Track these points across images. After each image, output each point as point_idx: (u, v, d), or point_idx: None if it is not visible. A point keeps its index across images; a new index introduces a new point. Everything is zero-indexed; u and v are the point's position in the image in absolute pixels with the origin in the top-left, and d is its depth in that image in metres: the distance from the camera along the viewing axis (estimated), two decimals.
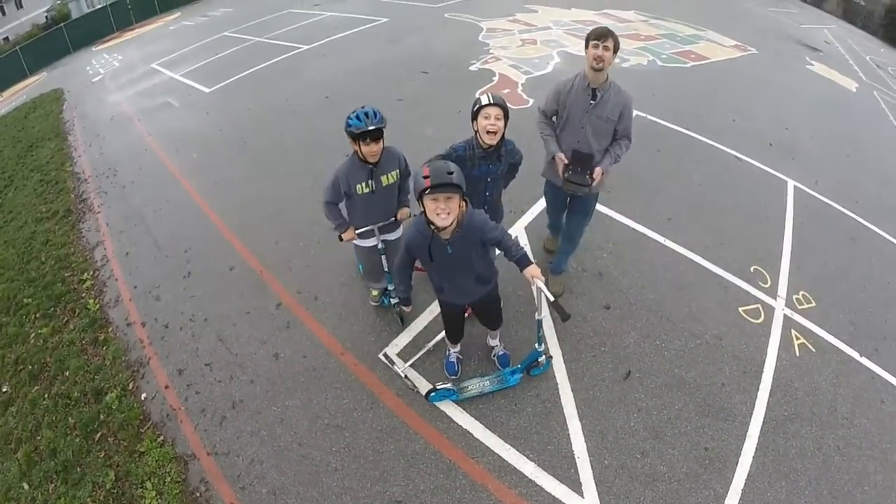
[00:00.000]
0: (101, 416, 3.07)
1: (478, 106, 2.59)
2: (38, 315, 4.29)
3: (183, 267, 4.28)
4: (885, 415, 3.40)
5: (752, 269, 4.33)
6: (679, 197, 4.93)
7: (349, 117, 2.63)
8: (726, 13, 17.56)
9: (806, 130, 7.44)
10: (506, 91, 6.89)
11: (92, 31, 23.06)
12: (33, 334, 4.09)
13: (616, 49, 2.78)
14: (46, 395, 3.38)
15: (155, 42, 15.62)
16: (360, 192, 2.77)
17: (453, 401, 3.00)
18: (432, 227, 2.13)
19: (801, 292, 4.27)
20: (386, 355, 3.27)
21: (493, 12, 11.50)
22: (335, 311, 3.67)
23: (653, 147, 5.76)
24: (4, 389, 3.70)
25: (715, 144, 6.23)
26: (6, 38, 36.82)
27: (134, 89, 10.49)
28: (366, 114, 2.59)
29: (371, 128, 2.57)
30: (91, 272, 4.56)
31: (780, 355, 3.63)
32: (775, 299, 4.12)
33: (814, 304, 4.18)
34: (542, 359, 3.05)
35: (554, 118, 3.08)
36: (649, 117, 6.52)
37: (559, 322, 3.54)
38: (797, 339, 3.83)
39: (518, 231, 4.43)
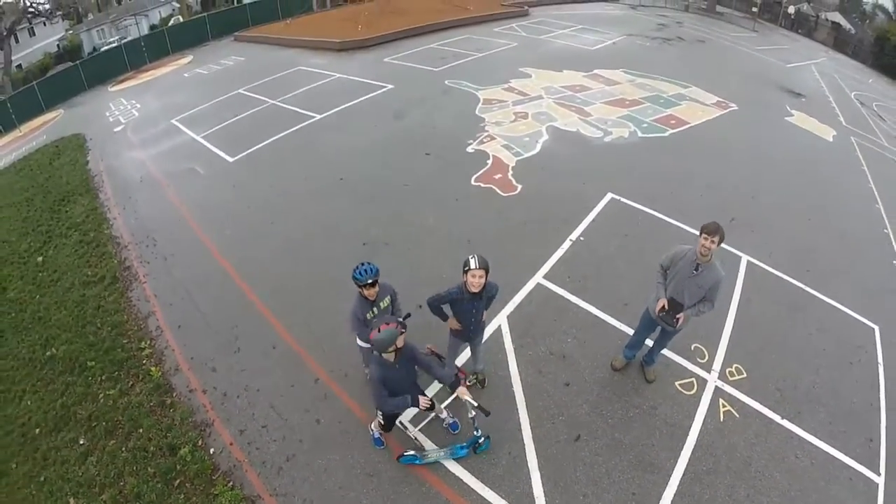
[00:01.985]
0: (178, 467, 4.33)
1: (467, 267, 3.95)
2: (103, 377, 5.59)
3: (232, 343, 5.64)
4: (797, 467, 4.64)
5: (692, 347, 5.65)
6: (638, 282, 6.30)
7: (355, 271, 3.98)
8: (714, 62, 19.69)
9: (772, 196, 8.92)
10: (497, 176, 8.44)
11: (107, 69, 25.29)
12: (102, 395, 5.39)
13: (721, 242, 4.04)
14: (124, 449, 4.64)
15: (172, 92, 17.56)
16: (369, 317, 4.13)
17: (417, 464, 4.28)
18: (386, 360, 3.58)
19: (735, 365, 5.58)
20: (401, 422, 4.55)
21: (489, 79, 13.36)
22: (361, 387, 4.98)
23: (622, 232, 7.22)
24: (81, 441, 4.96)
25: (679, 225, 7.67)
26: (19, 66, 39.79)
27: (157, 148, 12.16)
28: (366, 271, 3.96)
29: (370, 281, 3.91)
30: (148, 341, 5.91)
31: (705, 421, 4.91)
32: (709, 373, 5.43)
33: (745, 375, 5.48)
34: (482, 440, 4.35)
35: (667, 272, 4.47)
36: (623, 200, 8.02)
37: (530, 398, 4.87)
38: (724, 406, 5.11)
39: (501, 320, 5.78)
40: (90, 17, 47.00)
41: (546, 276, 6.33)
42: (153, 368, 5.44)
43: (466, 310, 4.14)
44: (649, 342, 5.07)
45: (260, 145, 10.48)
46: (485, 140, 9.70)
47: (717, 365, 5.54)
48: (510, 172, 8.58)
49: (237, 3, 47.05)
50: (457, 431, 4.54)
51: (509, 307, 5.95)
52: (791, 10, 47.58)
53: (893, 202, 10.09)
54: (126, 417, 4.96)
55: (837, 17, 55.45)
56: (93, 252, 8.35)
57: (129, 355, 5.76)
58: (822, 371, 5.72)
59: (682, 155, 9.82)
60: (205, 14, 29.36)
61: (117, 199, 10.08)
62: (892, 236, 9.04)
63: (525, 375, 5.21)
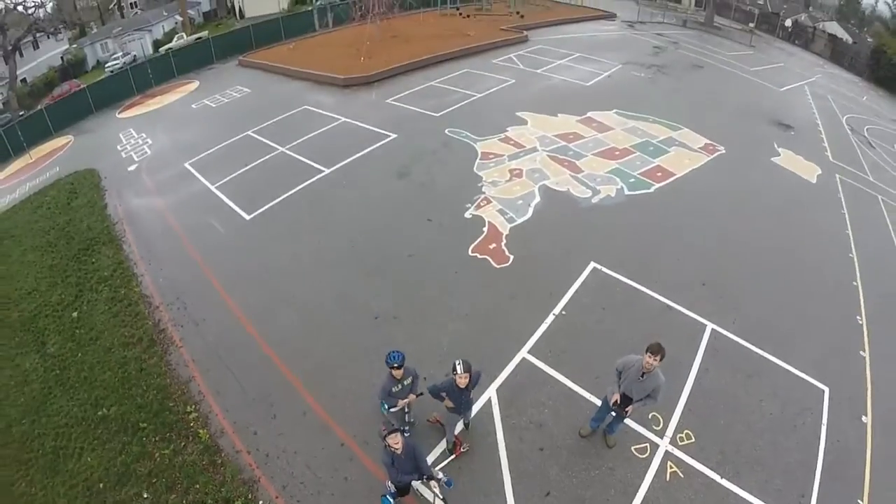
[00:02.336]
0: None
1: (455, 372, 5.23)
2: (156, 438, 6.70)
3: (269, 410, 6.79)
4: None
5: (650, 416, 6.74)
6: (609, 355, 7.36)
7: (388, 356, 5.42)
8: (708, 93, 20.78)
9: (745, 256, 10.02)
10: (492, 246, 9.58)
11: (114, 92, 26.35)
12: (157, 454, 6.49)
13: (662, 359, 5.25)
14: (185, 501, 5.75)
15: (181, 126, 18.64)
16: (394, 391, 5.41)
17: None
18: (393, 451, 4.74)
19: (686, 431, 6.68)
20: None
21: (487, 126, 14.48)
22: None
23: (600, 305, 8.32)
24: (145, 495, 6.06)
25: (653, 294, 8.76)
26: (24, 80, 40.78)
27: (174, 196, 13.24)
28: (394, 356, 5.41)
29: (396, 364, 5.13)
30: (193, 405, 7.02)
31: (653, 480, 6.02)
32: (661, 438, 6.53)
33: (693, 439, 6.58)
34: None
35: (621, 374, 5.65)
36: (603, 270, 9.13)
37: (512, 461, 6.00)
38: (671, 468, 6.22)
39: (491, 392, 6.90)
40: (94, 29, 48.14)
41: (530, 351, 7.48)
42: (201, 431, 6.55)
43: (457, 395, 5.51)
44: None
45: (273, 202, 11.58)
46: (482, 204, 10.82)
47: (669, 431, 6.64)
48: (503, 242, 9.71)
49: (239, 17, 48.21)
50: (451, 487, 5.64)
51: (498, 381, 7.08)
52: (788, 23, 48.70)
53: (867, 249, 11.22)
54: (183, 474, 6.08)
55: (835, 27, 56.78)
56: (126, 311, 9.44)
57: (177, 418, 6.86)
58: (766, 434, 6.82)
59: (664, 214, 10.92)
60: (209, 37, 30.38)
61: (142, 252, 11.17)
62: (860, 288, 10.13)
63: (509, 441, 6.35)
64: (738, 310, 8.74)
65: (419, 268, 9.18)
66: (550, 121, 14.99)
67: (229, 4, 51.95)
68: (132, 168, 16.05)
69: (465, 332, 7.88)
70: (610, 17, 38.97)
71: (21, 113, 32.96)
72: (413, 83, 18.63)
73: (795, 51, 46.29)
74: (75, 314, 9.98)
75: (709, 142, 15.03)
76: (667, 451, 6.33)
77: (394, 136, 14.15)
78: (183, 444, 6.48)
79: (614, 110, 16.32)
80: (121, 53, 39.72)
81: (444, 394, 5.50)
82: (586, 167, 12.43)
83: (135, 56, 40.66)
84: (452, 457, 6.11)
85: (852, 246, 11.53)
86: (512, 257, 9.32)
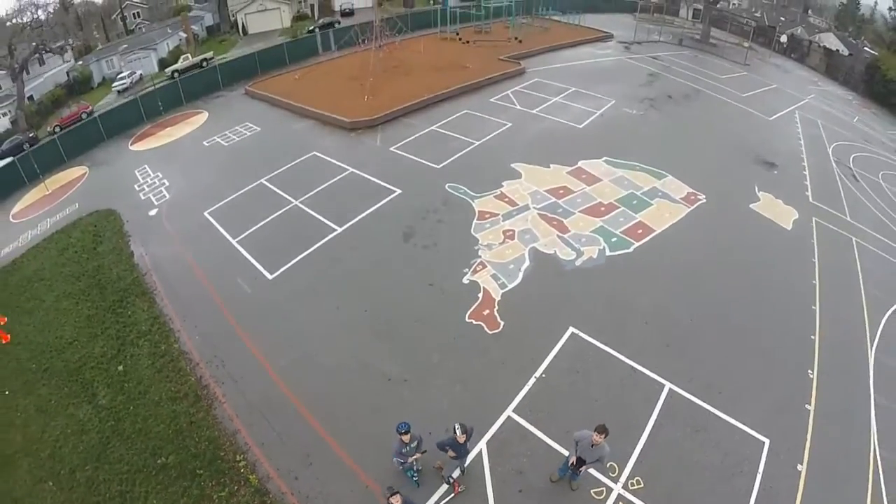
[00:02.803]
0: None
1: (455, 433, 7.07)
2: (213, 483, 8.44)
3: (306, 459, 8.62)
4: None
5: (609, 465, 8.46)
6: (579, 413, 9.13)
7: (398, 425, 7.25)
8: (697, 129, 22.48)
9: (710, 315, 11.70)
10: (486, 312, 11.30)
11: (124, 120, 27.95)
12: (216, 496, 8.24)
13: (606, 436, 7.00)
14: None
15: (195, 167, 20.27)
16: (404, 451, 7.30)
17: None
18: None
19: (637, 477, 8.41)
20: None
21: (484, 181, 16.19)
22: None
23: (575, 369, 10.04)
24: None
25: (621, 358, 10.47)
26: (31, 97, 42.35)
27: (199, 248, 14.92)
28: (403, 426, 7.24)
29: (404, 431, 6.95)
30: (241, 455, 8.78)
31: None
32: (616, 483, 8.26)
33: (643, 485, 8.31)
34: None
35: (577, 443, 7.40)
36: (580, 334, 10.85)
37: (497, 500, 7.75)
38: None
39: (482, 445, 8.65)
40: (98, 46, 49.79)
41: (515, 410, 9.29)
42: (251, 476, 8.33)
43: (457, 447, 7.40)
44: None
45: (293, 262, 13.32)
46: (477, 269, 12.59)
47: (623, 477, 8.40)
48: (496, 308, 11.48)
49: (242, 34, 49.85)
50: None
51: (488, 436, 8.89)
52: (783, 38, 50.38)
53: (831, 300, 12.86)
54: None
55: (831, 38, 58.51)
56: (169, 367, 11.16)
57: (229, 465, 8.62)
58: (707, 481, 8.55)
59: (639, 276, 12.64)
60: (216, 64, 31.99)
61: (175, 307, 12.87)
62: (817, 342, 11.79)
63: (495, 484, 8.22)
64: (696, 369, 10.46)
65: (424, 333, 10.93)
66: (543, 174, 16.70)
67: (232, 19, 53.60)
68: (153, 213, 17.71)
69: (463, 393, 9.64)
70: (607, 37, 40.57)
71: (31, 134, 34.59)
72: (415, 128, 20.35)
73: (790, 66, 48.14)
74: (121, 368, 11.70)
75: (691, 191, 16.73)
76: (619, 494, 8.09)
77: (398, 191, 15.88)
78: (236, 487, 8.23)
79: (604, 158, 18.03)
80: (127, 73, 41.29)
81: (447, 447, 7.39)
82: (573, 226, 14.15)
83: (141, 75, 42.34)
84: (452, 495, 7.89)
85: (816, 298, 13.18)
86: (503, 324, 11.09)
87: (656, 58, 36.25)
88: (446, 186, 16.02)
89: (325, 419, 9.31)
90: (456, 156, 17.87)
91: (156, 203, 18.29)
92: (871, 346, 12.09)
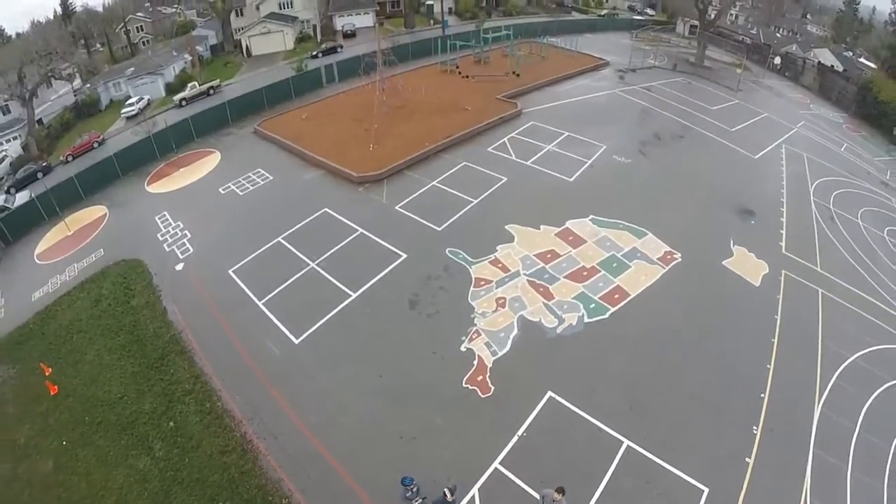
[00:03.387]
0: None
1: (445, 495, 9.70)
2: None
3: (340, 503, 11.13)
4: None
5: None
6: (552, 467, 11.67)
7: (402, 479, 10.34)
8: (682, 175, 24.95)
9: (672, 377, 14.18)
10: (479, 378, 13.86)
11: (138, 157, 30.42)
12: None
13: (564, 494, 9.63)
14: None
15: (214, 218, 22.67)
16: (408, 496, 9.96)
17: None
18: None
19: None
20: None
21: (480, 246, 18.71)
22: None
23: (551, 427, 12.60)
24: None
25: (589, 419, 12.98)
26: (39, 121, 44.68)
27: (228, 308, 17.39)
28: (407, 480, 10.30)
29: (408, 484, 9.70)
30: (286, 499, 11.34)
31: None
32: None
33: None
34: None
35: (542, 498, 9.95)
36: (556, 398, 13.38)
37: None
38: None
39: (474, 491, 11.21)
40: (106, 68, 52.14)
41: (501, 463, 11.91)
42: None
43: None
44: None
45: (315, 327, 15.89)
46: (473, 337, 15.15)
47: None
48: (488, 374, 14.04)
49: (246, 55, 52.18)
50: None
51: (479, 483, 11.51)
52: (777, 60, 52.87)
53: (786, 358, 15.24)
54: None
55: (826, 54, 60.94)
56: (216, 423, 13.69)
57: None
58: None
59: (612, 341, 15.17)
60: (225, 101, 34.34)
61: (213, 366, 15.40)
62: (766, 399, 14.24)
63: None
64: (653, 427, 12.98)
65: (428, 397, 13.55)
66: (533, 236, 19.22)
67: (236, 38, 55.94)
68: (179, 267, 20.20)
69: (460, 448, 12.24)
70: (603, 66, 43.00)
71: (45, 163, 36.89)
72: (418, 183, 22.86)
73: (783, 87, 50.65)
74: (172, 424, 14.24)
75: (668, 249, 19.22)
76: None
77: (404, 255, 18.41)
78: None
79: (590, 217, 20.54)
80: (135, 99, 43.63)
81: None
82: (557, 293, 16.67)
83: (149, 100, 44.72)
84: None
85: (772, 356, 15.60)
86: (493, 388, 13.68)
87: (649, 89, 38.74)
88: (447, 251, 18.54)
89: (351, 469, 11.86)
90: (455, 216, 20.37)
91: (181, 256, 20.75)
92: (819, 401, 14.46)
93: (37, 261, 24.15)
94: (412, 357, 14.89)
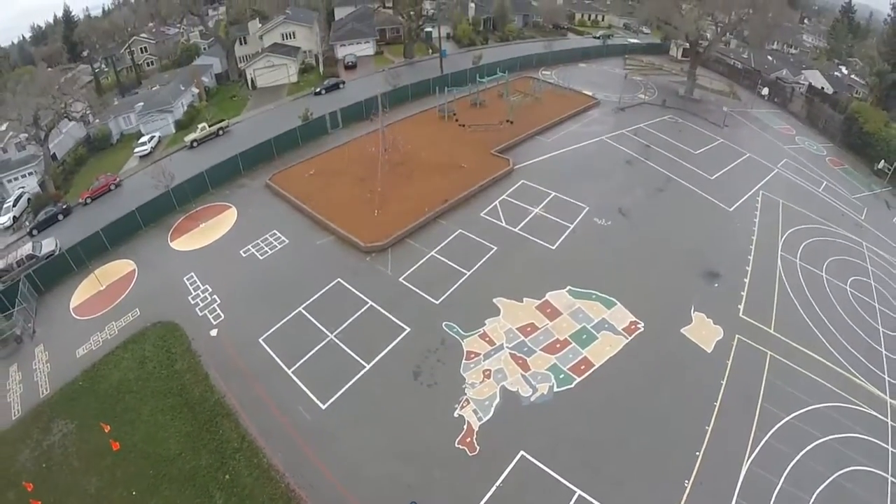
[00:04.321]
0: None
1: None
2: None
3: None
4: None
5: None
6: None
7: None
8: (655, 243, 29.33)
9: (624, 437, 18.76)
10: (468, 440, 18.48)
11: (159, 208, 34.87)
12: None
13: None
14: None
15: (240, 284, 27.09)
16: None
17: None
18: None
19: None
20: None
21: (471, 319, 23.32)
22: None
23: (520, 481, 17.31)
24: None
25: (552, 474, 17.62)
26: (53, 156, 49.00)
27: (262, 375, 21.97)
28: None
29: None
30: None
31: None
32: None
33: None
34: None
35: None
36: (528, 457, 18.00)
37: None
38: None
39: None
40: (115, 101, 56.62)
41: None
42: None
43: None
44: None
45: (338, 395, 20.50)
46: (464, 405, 19.76)
47: None
48: (475, 436, 18.67)
49: (251, 88, 56.57)
50: None
51: None
52: (764, 91, 57.42)
53: (725, 420, 19.62)
54: None
55: (817, 75, 65.42)
56: (264, 476, 18.34)
57: None
58: None
59: (576, 407, 19.77)
60: (237, 154, 38.82)
61: (257, 428, 19.98)
62: (700, 457, 18.55)
63: None
64: (601, 480, 17.60)
65: (429, 455, 18.16)
66: (517, 309, 23.81)
67: (240, 65, 60.38)
68: (214, 333, 24.76)
69: (453, 496, 16.97)
70: (593, 105, 47.52)
71: (64, 206, 41.29)
72: (418, 254, 27.42)
73: (771, 117, 55.14)
74: (227, 476, 18.95)
75: (633, 319, 23.80)
76: None
77: (408, 329, 23.00)
78: None
79: (567, 288, 25.14)
80: (147, 137, 48.09)
81: None
82: (533, 364, 21.31)
83: (160, 138, 49.23)
84: None
85: (713, 418, 20.00)
86: (478, 448, 18.29)
87: (636, 133, 43.31)
88: (443, 325, 23.15)
89: None
90: (451, 289, 24.96)
91: (214, 322, 25.35)
92: (748, 458, 18.82)
93: (74, 315, 28.42)
94: (416, 422, 19.55)
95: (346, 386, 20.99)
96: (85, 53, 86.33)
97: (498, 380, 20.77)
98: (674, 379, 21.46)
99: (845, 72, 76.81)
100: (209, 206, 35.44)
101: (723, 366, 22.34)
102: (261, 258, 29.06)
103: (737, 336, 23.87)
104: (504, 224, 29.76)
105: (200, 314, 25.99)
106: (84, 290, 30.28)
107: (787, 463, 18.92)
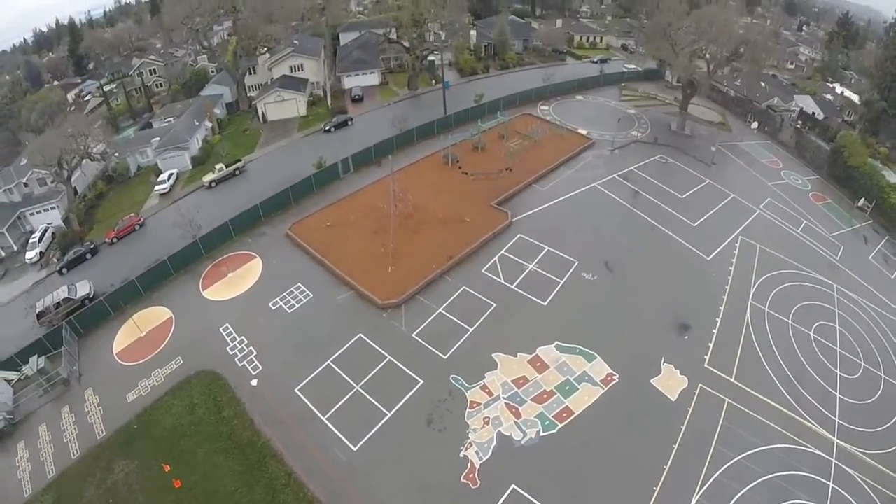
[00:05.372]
0: None
1: None
2: None
3: None
4: None
5: None
6: None
7: None
8: (634, 297, 35.82)
9: (589, 479, 25.10)
10: (471, 475, 24.85)
11: (187, 257, 40.98)
12: None
13: None
14: None
15: (273, 337, 33.29)
16: None
17: None
18: None
19: None
20: None
21: (473, 373, 29.71)
22: None
23: None
24: None
25: (536, 502, 24.26)
26: (74, 189, 54.97)
27: (301, 421, 28.31)
28: None
29: None
30: None
31: None
32: None
33: None
34: None
35: None
36: (518, 489, 24.38)
37: None
38: None
39: None
40: (131, 135, 62.77)
41: None
42: None
43: None
44: None
45: (365, 439, 26.81)
46: (468, 447, 26.13)
47: None
48: (476, 473, 25.00)
49: (263, 122, 62.62)
50: None
51: None
52: (754, 125, 63.72)
53: (681, 459, 25.80)
54: None
55: (808, 101, 71.65)
56: None
57: None
58: None
59: (558, 449, 26.16)
60: (258, 203, 45.04)
61: (300, 467, 26.30)
62: (656, 491, 25.19)
63: None
64: None
65: (440, 489, 24.29)
66: (511, 364, 30.13)
67: (249, 94, 66.39)
68: (254, 384, 30.87)
69: None
70: (588, 147, 53.80)
71: (91, 245, 46.92)
72: (428, 310, 33.68)
73: (759, 151, 61.43)
74: None
75: (610, 372, 30.21)
76: None
77: (421, 381, 29.33)
78: None
79: (555, 343, 31.51)
80: (166, 175, 54.23)
81: None
82: (524, 413, 27.70)
83: (178, 175, 55.37)
84: None
85: (670, 458, 26.35)
86: (479, 482, 24.56)
87: (626, 177, 49.64)
88: (450, 378, 29.50)
89: None
90: (457, 345, 31.26)
91: (253, 373, 31.50)
92: (697, 492, 25.04)
93: (118, 360, 34.20)
94: (429, 461, 25.84)
95: (372, 431, 27.35)
96: (91, 66, 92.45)
97: (495, 426, 27.19)
98: (640, 424, 27.80)
99: (839, 90, 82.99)
100: (234, 255, 41.51)
101: (684, 412, 28.59)
102: (289, 311, 35.33)
103: (700, 385, 30.07)
104: (502, 281, 36.14)
105: (240, 365, 32.20)
106: (125, 336, 35.86)
107: (732, 496, 24.98)
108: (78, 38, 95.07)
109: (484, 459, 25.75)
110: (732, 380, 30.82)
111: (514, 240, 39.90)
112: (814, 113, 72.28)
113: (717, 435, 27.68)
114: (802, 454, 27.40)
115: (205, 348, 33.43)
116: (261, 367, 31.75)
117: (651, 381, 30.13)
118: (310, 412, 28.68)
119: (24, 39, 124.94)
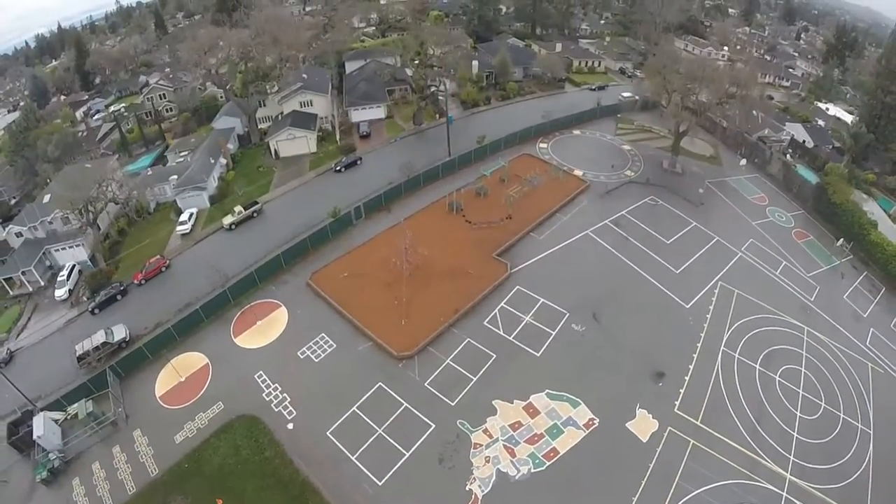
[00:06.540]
0: None
1: None
2: None
3: None
4: None
5: None
6: None
7: None
8: (618, 344, 44.78)
9: None
10: None
11: (217, 304, 49.44)
12: None
13: None
14: None
15: (304, 385, 41.97)
16: None
17: None
18: None
19: None
20: None
21: (476, 417, 38.44)
22: None
23: None
24: None
25: None
26: (97, 227, 63.04)
27: (333, 460, 36.99)
28: None
29: None
30: None
31: None
32: None
33: None
34: None
35: None
36: None
37: None
38: None
39: None
40: (150, 172, 71.01)
41: None
42: None
43: None
44: None
45: (388, 475, 35.43)
46: (472, 481, 34.78)
47: None
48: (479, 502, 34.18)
49: (276, 158, 70.91)
50: None
51: None
52: (742, 162, 72.06)
53: (648, 493, 34.25)
54: None
55: (799, 128, 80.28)
56: None
57: None
58: None
59: (545, 484, 34.89)
60: (280, 254, 53.58)
61: (338, 499, 35.09)
62: None
63: None
64: None
65: None
66: (509, 410, 38.80)
67: (260, 128, 74.53)
68: (290, 427, 39.56)
69: None
70: (583, 190, 62.33)
71: (122, 286, 54.49)
72: (438, 361, 42.27)
73: (747, 186, 69.91)
74: None
75: (592, 416, 39.02)
76: None
77: (433, 426, 38.13)
78: None
79: (545, 391, 40.36)
80: (187, 215, 62.54)
81: None
82: (518, 453, 36.35)
83: (197, 214, 63.73)
84: None
85: (639, 491, 34.70)
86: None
87: (617, 223, 58.20)
88: (457, 422, 38.25)
89: None
90: (462, 393, 39.97)
91: (288, 418, 40.02)
92: None
93: (161, 403, 42.17)
94: (441, 494, 34.21)
95: (394, 469, 36.01)
96: (97, 80, 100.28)
97: (494, 463, 35.91)
98: (614, 462, 36.47)
99: (832, 112, 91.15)
100: (261, 303, 49.78)
101: (653, 452, 37.16)
102: (316, 361, 43.92)
103: (669, 428, 38.60)
104: (502, 332, 44.86)
105: (276, 410, 40.73)
106: (165, 380, 43.68)
107: None
108: (84, 54, 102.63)
109: (485, 492, 34.50)
110: (698, 423, 39.13)
111: (512, 292, 48.53)
112: (804, 141, 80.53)
113: (680, 471, 35.98)
114: (754, 488, 35.53)
115: (243, 394, 41.56)
116: (295, 413, 40.31)
117: (626, 424, 38.72)
118: (341, 453, 37.35)
119: (26, 43, 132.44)
